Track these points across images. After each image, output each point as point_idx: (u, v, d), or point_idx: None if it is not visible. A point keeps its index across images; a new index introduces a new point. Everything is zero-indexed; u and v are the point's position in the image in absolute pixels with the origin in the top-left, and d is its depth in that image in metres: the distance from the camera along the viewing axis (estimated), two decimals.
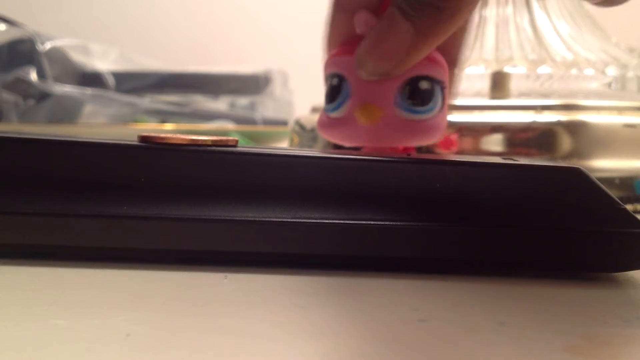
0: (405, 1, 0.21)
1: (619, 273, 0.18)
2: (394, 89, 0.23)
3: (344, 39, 0.24)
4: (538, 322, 0.14)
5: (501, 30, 0.38)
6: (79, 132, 0.54)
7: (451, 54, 0.25)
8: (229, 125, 0.60)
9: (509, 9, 0.39)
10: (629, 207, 0.33)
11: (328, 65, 0.24)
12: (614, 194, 0.33)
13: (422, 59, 0.22)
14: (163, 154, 0.19)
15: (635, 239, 0.17)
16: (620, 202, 0.18)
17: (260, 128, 0.62)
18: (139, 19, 0.91)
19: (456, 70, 0.26)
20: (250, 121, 0.63)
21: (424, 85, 0.23)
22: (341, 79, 0.23)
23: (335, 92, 0.24)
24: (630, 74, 0.37)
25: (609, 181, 0.33)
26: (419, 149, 0.27)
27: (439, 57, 0.23)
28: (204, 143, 0.19)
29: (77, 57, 0.62)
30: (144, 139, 0.20)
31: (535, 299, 0.16)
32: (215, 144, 0.19)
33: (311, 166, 0.19)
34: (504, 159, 0.20)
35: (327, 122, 0.24)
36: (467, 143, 0.35)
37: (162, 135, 0.19)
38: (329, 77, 0.24)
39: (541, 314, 0.15)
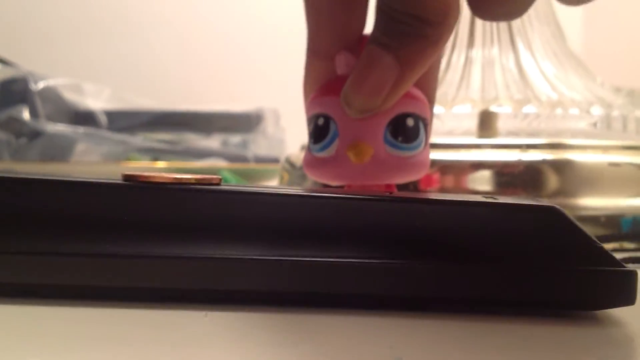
0: (385, 35, 0.21)
1: (596, 311, 0.18)
2: (383, 126, 0.23)
3: (322, 83, 0.25)
4: None
5: (487, 70, 0.39)
6: (71, 171, 0.54)
7: (425, 90, 0.25)
8: (220, 163, 0.60)
9: (495, 50, 0.39)
10: (615, 244, 0.33)
11: (312, 106, 0.24)
12: (599, 232, 0.34)
13: (405, 97, 0.23)
14: (146, 192, 0.19)
15: (612, 277, 0.17)
16: (597, 240, 0.18)
17: (251, 166, 0.63)
18: (131, 59, 0.92)
19: (431, 106, 0.26)
20: (242, 159, 0.64)
21: (410, 122, 0.23)
22: (327, 118, 0.24)
23: (322, 132, 0.24)
24: (615, 113, 0.38)
25: (594, 219, 0.33)
26: (402, 187, 0.27)
27: (420, 94, 0.24)
28: (187, 181, 0.20)
29: (70, 96, 0.62)
30: (127, 177, 0.20)
31: (511, 336, 0.16)
32: (198, 182, 0.20)
33: (293, 204, 0.19)
34: (485, 197, 0.21)
35: (314, 162, 0.24)
36: (453, 181, 0.35)
37: (146, 173, 0.20)
38: (313, 117, 0.24)
39: (517, 351, 0.15)
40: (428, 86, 0.25)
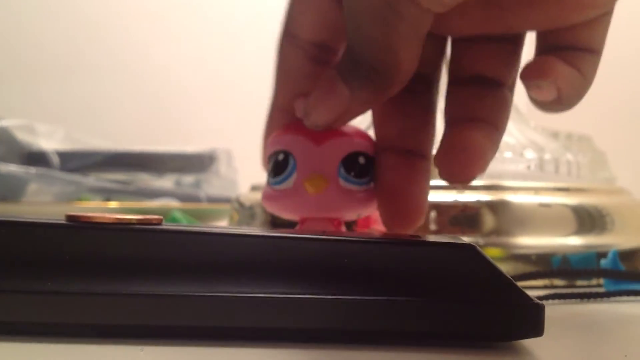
0: (347, 68, 0.23)
1: (514, 342, 0.20)
2: (337, 162, 0.25)
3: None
4: None
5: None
6: (22, 211, 0.54)
7: (422, 143, 0.26)
8: (173, 203, 0.61)
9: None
10: (545, 281, 0.34)
11: (272, 144, 0.26)
12: (531, 269, 0.35)
13: (359, 137, 0.26)
14: (88, 232, 0.20)
15: (522, 310, 0.19)
16: (509, 277, 0.19)
17: (204, 206, 0.63)
18: (85, 99, 0.92)
19: (427, 163, 0.26)
20: (195, 199, 0.64)
21: (361, 160, 0.26)
22: (287, 154, 0.25)
23: (281, 166, 0.26)
24: (548, 156, 0.39)
25: (526, 257, 0.35)
26: (348, 227, 0.29)
27: (370, 136, 0.26)
28: (128, 222, 0.20)
29: (23, 137, 0.63)
30: (70, 217, 0.21)
31: None
32: (139, 222, 0.21)
33: (228, 243, 0.20)
34: (411, 236, 0.22)
35: (273, 195, 0.26)
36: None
37: (88, 214, 0.21)
38: (273, 154, 0.26)
39: None
40: (425, 141, 0.27)
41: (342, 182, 0.25)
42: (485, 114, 0.25)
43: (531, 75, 0.24)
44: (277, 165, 0.26)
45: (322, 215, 0.26)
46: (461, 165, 0.24)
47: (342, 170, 0.25)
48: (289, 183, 0.25)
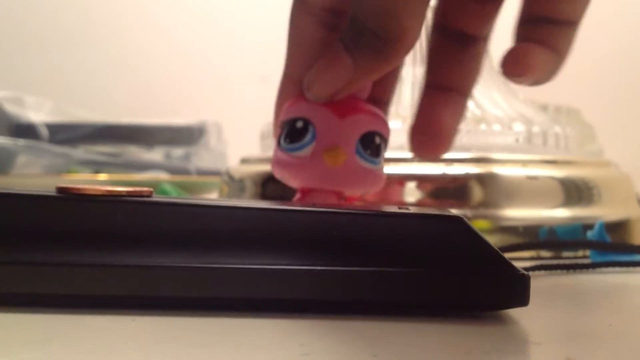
0: (351, 38, 0.23)
1: (500, 311, 0.20)
2: (356, 138, 0.25)
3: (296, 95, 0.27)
4: (408, 354, 0.16)
5: (416, 88, 0.41)
6: (11, 183, 0.54)
7: (384, 91, 0.29)
8: (162, 175, 0.61)
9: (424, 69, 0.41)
10: (532, 253, 0.35)
11: (290, 110, 0.27)
12: (518, 240, 0.36)
13: (376, 117, 0.26)
14: (79, 204, 0.20)
15: (508, 281, 0.19)
16: (496, 248, 0.19)
17: (193, 178, 0.64)
18: (73, 71, 0.92)
19: (386, 108, 0.29)
20: (184, 171, 0.64)
21: (377, 140, 0.26)
22: (307, 122, 0.26)
23: (299, 133, 0.26)
24: (536, 129, 0.40)
25: (514, 229, 0.35)
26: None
27: (386, 119, 0.27)
28: (118, 194, 0.21)
29: (11, 109, 0.63)
30: (61, 189, 0.21)
31: (412, 334, 0.17)
32: (129, 194, 0.21)
33: (219, 215, 0.20)
34: (399, 208, 0.22)
35: (287, 161, 0.26)
36: (387, 193, 0.36)
37: (79, 186, 0.21)
38: (290, 120, 0.26)
39: (413, 347, 0.16)
40: (388, 87, 0.29)
41: (357, 159, 0.25)
42: (458, 79, 0.27)
43: (512, 72, 0.25)
44: (295, 132, 0.26)
45: (332, 188, 0.26)
46: (429, 148, 0.28)
47: (360, 148, 0.26)
48: (307, 151, 0.25)
